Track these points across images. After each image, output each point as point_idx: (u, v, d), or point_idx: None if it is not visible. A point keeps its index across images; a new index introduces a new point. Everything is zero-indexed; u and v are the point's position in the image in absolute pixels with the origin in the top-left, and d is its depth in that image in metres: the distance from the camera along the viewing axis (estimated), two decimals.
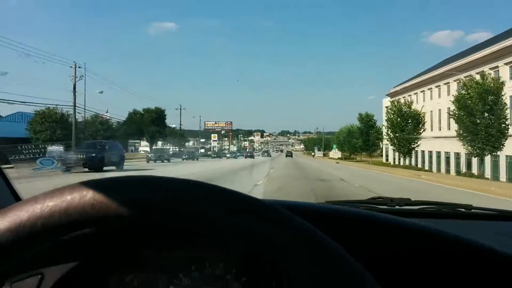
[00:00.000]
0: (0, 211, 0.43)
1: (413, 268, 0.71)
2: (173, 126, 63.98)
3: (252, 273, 0.76)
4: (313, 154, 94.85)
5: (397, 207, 1.38)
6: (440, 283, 0.70)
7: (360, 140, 53.10)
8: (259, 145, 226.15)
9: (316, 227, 0.44)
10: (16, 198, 1.13)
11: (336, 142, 64.57)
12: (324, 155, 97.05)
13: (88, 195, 0.41)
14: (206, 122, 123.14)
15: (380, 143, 53.72)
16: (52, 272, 0.72)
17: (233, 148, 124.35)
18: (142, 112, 60.92)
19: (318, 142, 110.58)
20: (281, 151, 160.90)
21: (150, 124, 58.68)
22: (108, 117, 44.96)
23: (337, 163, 43.60)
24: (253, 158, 60.45)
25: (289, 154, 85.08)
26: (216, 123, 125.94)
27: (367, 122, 52.14)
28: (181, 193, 0.42)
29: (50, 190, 0.43)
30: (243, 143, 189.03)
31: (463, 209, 1.38)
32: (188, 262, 0.78)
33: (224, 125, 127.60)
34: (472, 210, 1.37)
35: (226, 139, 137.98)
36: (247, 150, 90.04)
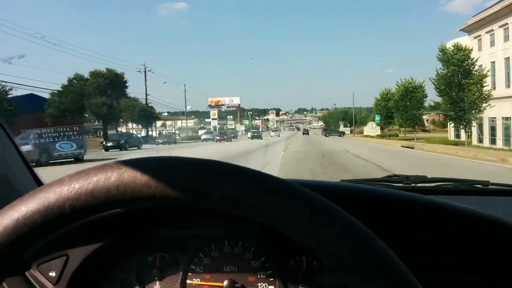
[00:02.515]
0: (28, 193, 0.43)
1: (432, 244, 0.70)
2: (138, 97, 43.11)
3: (270, 252, 0.77)
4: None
5: (413, 184, 1.35)
6: (459, 257, 0.71)
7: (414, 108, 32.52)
8: (274, 124, 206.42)
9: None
10: (38, 183, 1.08)
11: (377, 110, 42.95)
12: (351, 132, 75.98)
13: (113, 176, 0.41)
14: (210, 99, 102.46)
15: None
16: (76, 253, 0.73)
17: (241, 128, 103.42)
18: (86, 77, 40.83)
19: (342, 116, 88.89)
20: (298, 129, 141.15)
21: (94, 93, 38.51)
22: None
23: (407, 147, 22.71)
24: (261, 139, 45.40)
25: (306, 132, 75.83)
26: (220, 100, 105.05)
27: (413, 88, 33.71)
28: (204, 172, 0.41)
29: (75, 172, 0.43)
30: (255, 121, 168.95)
31: (480, 185, 1.33)
32: (208, 242, 0.79)
33: (229, 101, 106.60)
34: (490, 186, 1.33)
35: (231, 117, 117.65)
36: (255, 129, 69.08)
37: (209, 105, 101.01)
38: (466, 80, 22.10)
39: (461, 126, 22.87)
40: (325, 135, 56.21)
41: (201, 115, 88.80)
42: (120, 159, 0.47)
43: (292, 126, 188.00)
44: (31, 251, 0.44)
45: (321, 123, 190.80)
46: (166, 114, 68.40)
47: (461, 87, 22.10)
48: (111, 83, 40.24)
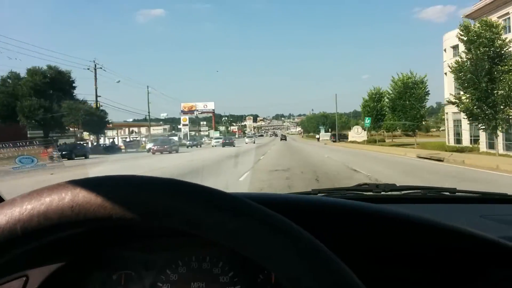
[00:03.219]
0: None
1: (390, 256, 0.69)
2: (86, 99, 36.27)
3: (239, 267, 0.76)
4: (317, 136, 67.61)
5: (382, 193, 1.35)
6: (412, 267, 0.70)
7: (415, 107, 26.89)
8: (251, 130, 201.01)
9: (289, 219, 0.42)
10: None
11: (365, 113, 37.30)
12: (332, 137, 70.90)
13: (67, 197, 0.40)
14: (183, 104, 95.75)
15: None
16: (36, 274, 0.70)
17: (215, 134, 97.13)
18: (23, 76, 33.82)
19: (322, 121, 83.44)
20: (275, 135, 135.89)
21: (28, 94, 31.57)
22: None
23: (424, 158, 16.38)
24: (233, 146, 41.35)
25: (283, 138, 74.14)
26: (193, 106, 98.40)
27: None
28: (161, 192, 0.41)
29: (28, 192, 0.42)
30: (232, 127, 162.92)
31: (447, 193, 1.34)
32: (175, 258, 0.77)
33: (203, 107, 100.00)
34: (457, 194, 1.33)
35: (205, 123, 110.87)
36: (224, 136, 61.95)
37: (181, 111, 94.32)
38: (500, 66, 16.51)
39: (489, 128, 17.01)
40: (333, 141, 49.96)
41: (178, 122, 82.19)
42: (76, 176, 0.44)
43: (272, 132, 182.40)
44: (3, 268, 0.42)
45: (299, 128, 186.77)
46: (131, 120, 61.36)
47: (492, 76, 16.53)
48: (52, 83, 33.39)
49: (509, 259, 0.62)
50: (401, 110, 28.42)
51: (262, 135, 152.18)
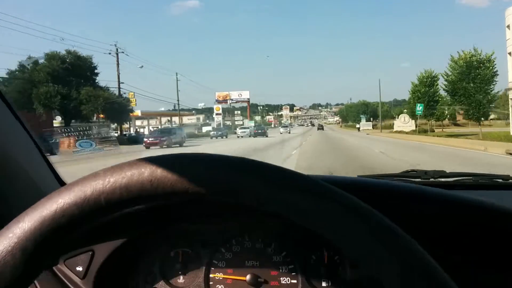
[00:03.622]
0: (65, 186, 0.43)
1: (454, 239, 0.70)
2: (107, 87, 33.81)
3: (291, 247, 0.78)
4: (358, 126, 62.78)
5: (431, 179, 1.32)
6: (477, 250, 0.70)
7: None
8: (287, 120, 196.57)
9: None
10: (60, 182, 1.05)
11: (415, 99, 32.44)
12: (374, 126, 65.61)
13: (146, 171, 0.41)
14: (217, 93, 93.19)
15: None
16: (102, 249, 0.74)
17: (249, 123, 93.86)
18: (41, 61, 31.72)
19: (363, 110, 78.09)
20: (312, 124, 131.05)
21: (45, 80, 29.33)
22: None
23: None
24: (266, 136, 37.09)
25: (320, 127, 72.90)
26: (227, 95, 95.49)
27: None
28: (237, 170, 0.42)
29: (109, 167, 0.44)
30: (268, 117, 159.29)
31: (500, 180, 1.29)
32: (229, 237, 0.80)
33: (238, 96, 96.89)
34: (510, 180, 1.29)
35: (239, 112, 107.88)
36: (255, 126, 57.95)
37: (216, 100, 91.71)
38: None
39: None
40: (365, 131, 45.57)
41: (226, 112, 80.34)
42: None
43: (309, 121, 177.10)
44: (65, 243, 0.44)
45: (337, 118, 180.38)
46: (163, 110, 59.19)
47: None
48: (72, 69, 30.99)
49: None
50: (463, 95, 23.65)
51: (302, 125, 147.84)
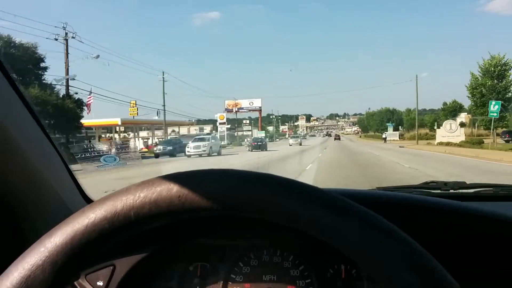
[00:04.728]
0: (97, 201, 0.44)
1: (473, 251, 0.70)
2: (55, 84, 25.35)
3: (309, 261, 0.77)
4: (384, 136, 52.81)
5: (451, 191, 1.30)
6: (500, 264, 0.70)
7: None
8: (303, 130, 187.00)
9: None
10: (86, 200, 1.07)
11: (475, 96, 22.67)
12: (401, 136, 55.65)
13: (175, 187, 0.42)
14: (227, 102, 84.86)
15: None
16: (123, 263, 0.73)
17: (261, 134, 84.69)
18: None
19: (387, 117, 68.14)
20: (329, 135, 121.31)
21: None
22: None
23: None
24: (265, 150, 29.77)
25: (337, 138, 68.77)
26: (238, 103, 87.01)
27: None
28: (264, 186, 0.42)
29: (140, 182, 0.44)
30: (281, 127, 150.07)
31: None
32: (247, 251, 0.80)
33: (249, 104, 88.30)
34: None
35: (247, 122, 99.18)
36: (252, 138, 48.18)
37: (225, 109, 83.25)
38: None
39: None
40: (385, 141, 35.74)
41: (236, 123, 72.37)
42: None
43: (325, 131, 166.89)
44: (95, 257, 0.45)
45: (355, 128, 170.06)
46: (156, 118, 51.02)
47: None
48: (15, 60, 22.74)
49: None
50: None
51: (314, 135, 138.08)
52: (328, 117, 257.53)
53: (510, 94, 21.41)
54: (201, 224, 0.75)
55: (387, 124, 60.52)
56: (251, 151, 29.76)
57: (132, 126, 43.29)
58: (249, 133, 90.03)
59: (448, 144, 26.69)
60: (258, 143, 32.29)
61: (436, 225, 0.67)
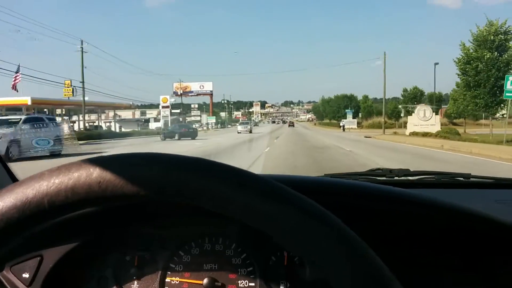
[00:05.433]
0: (6, 188, 0.40)
1: (410, 237, 0.71)
2: None
3: (251, 249, 0.75)
4: (342, 124, 47.84)
5: (396, 178, 1.32)
6: (435, 249, 0.71)
7: None
8: (258, 117, 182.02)
9: (314, 200, 0.41)
10: (12, 179, 1.04)
11: (468, 72, 17.20)
12: (359, 124, 51.39)
13: (95, 172, 0.39)
14: (175, 85, 76.88)
15: None
16: (51, 253, 0.70)
17: (211, 120, 77.79)
18: None
19: (345, 104, 63.25)
20: (283, 122, 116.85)
21: None
22: None
23: None
24: (192, 138, 24.50)
25: (291, 124, 68.33)
26: (187, 86, 79.31)
27: None
28: (193, 171, 0.40)
29: (56, 167, 0.40)
30: (234, 113, 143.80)
31: (461, 178, 1.31)
32: (188, 239, 0.77)
33: (199, 87, 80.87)
34: (471, 179, 1.30)
35: (195, 106, 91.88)
36: (179, 124, 40.43)
37: (173, 92, 75.31)
38: None
39: None
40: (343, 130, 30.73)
41: (181, 107, 65.14)
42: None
43: (280, 118, 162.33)
44: (7, 248, 0.41)
45: (309, 115, 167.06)
46: (87, 98, 42.83)
47: None
48: None
49: None
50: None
51: (268, 122, 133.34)
52: (283, 104, 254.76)
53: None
54: (136, 211, 0.71)
55: (346, 110, 55.79)
56: (164, 139, 24.07)
57: (49, 107, 35.45)
58: (198, 118, 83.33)
59: (426, 135, 21.77)
60: (177, 131, 26.00)
61: (378, 212, 0.66)
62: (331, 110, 68.45)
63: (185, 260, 0.75)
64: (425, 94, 48.23)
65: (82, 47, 32.34)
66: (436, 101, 33.31)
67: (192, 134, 25.86)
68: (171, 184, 0.39)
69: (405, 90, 49.87)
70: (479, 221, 0.64)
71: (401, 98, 49.56)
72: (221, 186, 0.39)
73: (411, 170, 1.36)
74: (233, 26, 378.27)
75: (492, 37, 16.57)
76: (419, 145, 15.92)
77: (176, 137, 24.80)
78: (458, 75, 17.56)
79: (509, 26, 16.63)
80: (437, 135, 20.39)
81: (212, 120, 75.03)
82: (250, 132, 35.80)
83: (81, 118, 37.83)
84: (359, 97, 63.73)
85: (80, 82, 32.24)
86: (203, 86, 79.44)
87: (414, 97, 47.79)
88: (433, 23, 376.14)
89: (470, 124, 36.64)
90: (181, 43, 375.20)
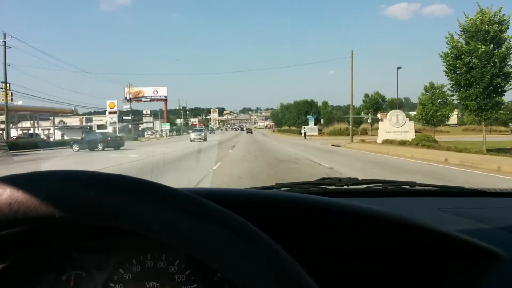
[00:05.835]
0: None
1: (353, 249, 0.69)
2: None
3: (196, 265, 0.71)
4: (303, 131, 45.09)
5: (345, 186, 1.34)
6: (380, 259, 0.69)
7: None
8: (215, 124, 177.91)
9: (238, 213, 0.39)
10: None
11: (459, 70, 14.52)
12: (320, 131, 49.04)
13: (5, 193, 0.36)
14: (127, 90, 71.20)
15: None
16: None
17: (165, 127, 73.06)
18: None
19: (305, 110, 60.73)
20: (242, 129, 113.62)
21: None
22: None
23: None
24: (116, 149, 21.22)
25: (249, 131, 68.78)
26: (140, 91, 74.13)
27: None
28: (111, 189, 0.37)
29: None
30: (191, 119, 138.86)
31: (407, 186, 1.34)
32: (129, 256, 0.72)
33: (153, 93, 75.82)
34: (416, 187, 1.34)
35: (147, 112, 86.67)
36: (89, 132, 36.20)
37: (125, 97, 69.84)
38: None
39: None
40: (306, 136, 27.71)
41: (131, 113, 59.98)
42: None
43: (238, 125, 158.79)
44: None
45: (267, 122, 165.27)
46: (21, 103, 37.23)
47: None
48: None
49: (465, 251, 0.64)
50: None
51: (226, 129, 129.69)
52: (241, 111, 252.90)
53: (508, 67, 14.17)
54: (69, 229, 0.65)
55: (308, 117, 53.14)
56: (77, 151, 20.69)
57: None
58: (151, 125, 78.34)
59: (404, 143, 19.08)
60: (98, 140, 22.00)
61: (314, 224, 0.63)
62: (290, 116, 66.02)
63: (125, 278, 0.70)
64: (386, 100, 46.79)
65: (5, 41, 27.36)
66: (398, 107, 31.29)
67: (117, 143, 22.22)
68: (87, 205, 0.36)
69: (366, 96, 48.23)
70: (418, 232, 0.62)
71: (363, 103, 47.97)
72: (138, 205, 0.37)
73: (360, 178, 1.37)
74: (188, 30, 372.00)
75: (486, 26, 14.02)
76: (415, 159, 12.89)
77: (100, 147, 21.24)
78: (446, 72, 14.91)
79: (503, 15, 14.21)
80: (417, 144, 17.76)
81: (166, 127, 70.44)
82: (205, 140, 32.24)
83: (11, 125, 32.51)
84: (319, 104, 61.81)
85: (2, 82, 27.16)
86: (157, 91, 74.67)
87: (376, 102, 46.15)
88: (393, 29, 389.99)
89: (429, 131, 34.86)
90: (135, 47, 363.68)
